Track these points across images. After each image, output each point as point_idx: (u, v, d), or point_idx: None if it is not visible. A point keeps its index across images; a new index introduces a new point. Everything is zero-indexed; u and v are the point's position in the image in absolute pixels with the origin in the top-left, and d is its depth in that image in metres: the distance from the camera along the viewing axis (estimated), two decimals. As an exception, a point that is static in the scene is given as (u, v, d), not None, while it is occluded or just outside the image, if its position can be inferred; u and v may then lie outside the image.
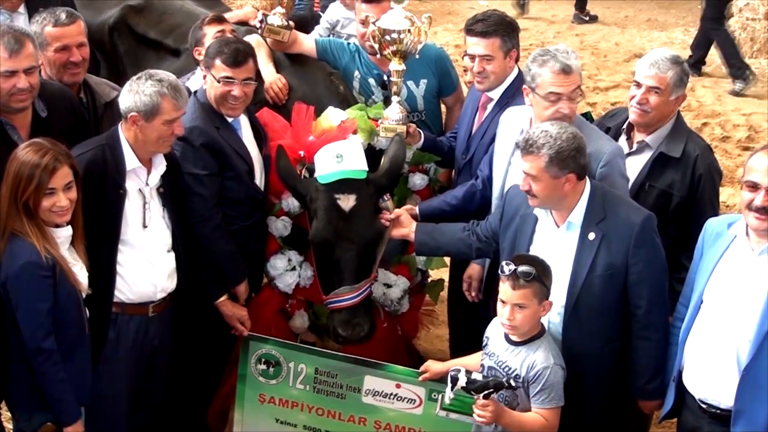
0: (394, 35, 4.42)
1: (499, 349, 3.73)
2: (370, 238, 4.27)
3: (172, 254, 4.02)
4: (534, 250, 3.83)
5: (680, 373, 3.73)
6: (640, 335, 3.77)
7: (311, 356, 4.31)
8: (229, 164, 4.19)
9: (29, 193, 3.53)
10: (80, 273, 3.68)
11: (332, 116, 4.52)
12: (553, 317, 3.79)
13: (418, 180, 4.68)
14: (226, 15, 5.30)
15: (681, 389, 3.74)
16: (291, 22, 4.84)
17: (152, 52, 5.25)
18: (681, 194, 4.24)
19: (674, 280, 3.98)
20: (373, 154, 4.53)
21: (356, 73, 4.88)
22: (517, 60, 4.54)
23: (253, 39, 4.74)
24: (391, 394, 4.21)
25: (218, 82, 4.15)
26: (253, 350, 4.32)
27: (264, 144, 4.43)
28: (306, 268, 4.52)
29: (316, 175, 4.31)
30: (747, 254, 3.50)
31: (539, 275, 3.57)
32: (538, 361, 3.61)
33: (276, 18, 4.76)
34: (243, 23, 5.16)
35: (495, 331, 3.79)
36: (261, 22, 4.86)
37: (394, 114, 4.48)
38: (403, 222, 4.37)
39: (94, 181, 3.79)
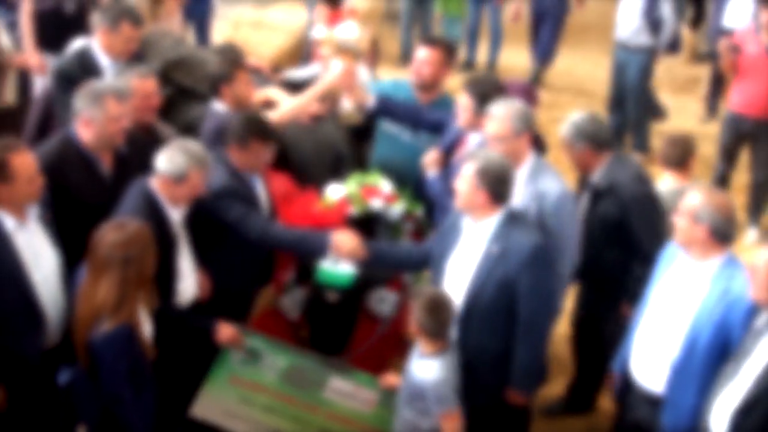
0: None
1: (415, 358, 4.27)
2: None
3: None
4: (454, 255, 4.39)
5: (628, 359, 4.22)
6: (521, 338, 4.28)
7: (290, 354, 4.67)
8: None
9: (152, 265, 3.96)
10: (147, 330, 4.06)
11: (333, 193, 5.19)
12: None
13: (409, 227, 5.28)
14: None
15: (628, 374, 4.22)
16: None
17: (184, 99, 5.81)
18: (614, 221, 4.69)
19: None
20: (368, 219, 5.19)
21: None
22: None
23: (270, 93, 5.53)
24: (349, 394, 4.60)
25: None
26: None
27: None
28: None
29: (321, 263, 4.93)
30: (689, 263, 3.97)
31: None
32: (417, 377, 4.15)
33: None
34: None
35: None
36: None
37: (345, 33, 5.40)
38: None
39: (158, 239, 4.15)
